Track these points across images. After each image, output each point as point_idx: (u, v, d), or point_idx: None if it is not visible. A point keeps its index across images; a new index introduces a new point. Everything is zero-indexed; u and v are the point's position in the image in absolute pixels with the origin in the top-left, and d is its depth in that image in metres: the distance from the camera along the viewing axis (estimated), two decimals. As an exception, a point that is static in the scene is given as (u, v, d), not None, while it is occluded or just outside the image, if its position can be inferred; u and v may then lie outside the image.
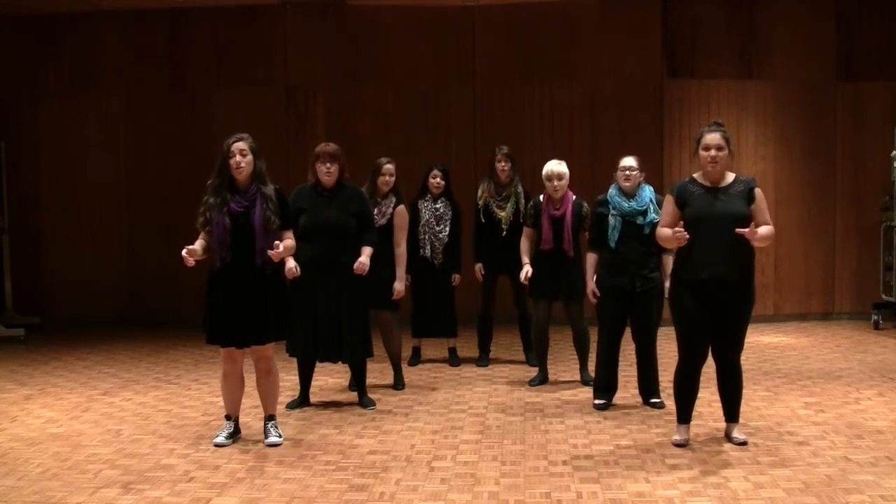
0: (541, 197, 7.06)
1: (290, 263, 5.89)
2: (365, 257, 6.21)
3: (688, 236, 5.03)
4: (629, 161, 6.34)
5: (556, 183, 6.89)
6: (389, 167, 7.00)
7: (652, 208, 6.21)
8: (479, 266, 7.78)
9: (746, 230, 4.94)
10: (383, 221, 6.89)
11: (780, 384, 7.07)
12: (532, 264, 6.97)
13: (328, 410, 6.42)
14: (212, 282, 5.41)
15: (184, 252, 5.21)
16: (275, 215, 5.32)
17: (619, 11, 10.13)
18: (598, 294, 6.34)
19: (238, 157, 5.31)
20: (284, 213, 5.43)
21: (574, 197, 7.00)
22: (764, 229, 5.08)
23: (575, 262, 6.90)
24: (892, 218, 9.70)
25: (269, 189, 5.37)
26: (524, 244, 7.10)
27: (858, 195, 10.27)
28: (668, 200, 5.33)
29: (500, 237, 7.60)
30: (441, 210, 7.69)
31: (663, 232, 5.25)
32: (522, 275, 6.98)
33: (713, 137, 5.18)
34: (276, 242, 5.24)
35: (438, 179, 7.69)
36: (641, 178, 6.34)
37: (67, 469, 5.08)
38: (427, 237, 7.67)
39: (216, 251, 5.33)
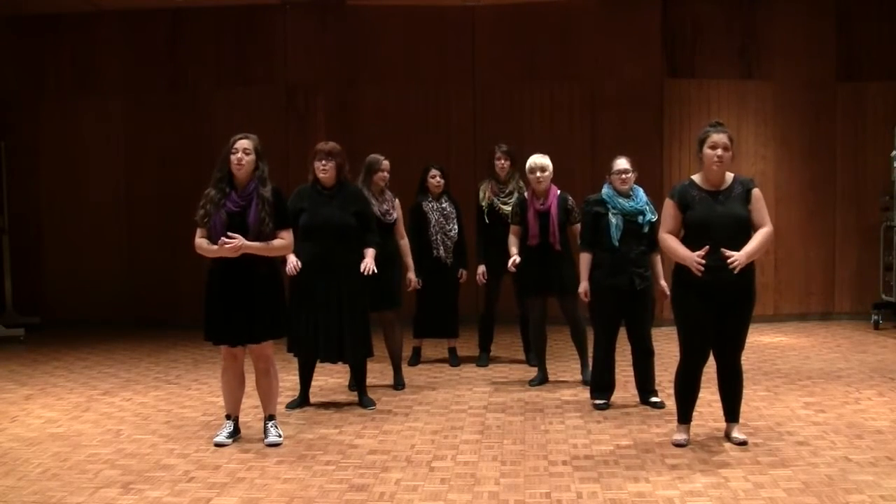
0: (525, 194, 7.08)
1: (292, 260, 5.90)
2: (370, 258, 6.20)
3: (702, 272, 5.03)
4: (624, 164, 6.35)
5: (538, 174, 6.91)
6: (388, 164, 7.04)
7: (649, 208, 6.27)
8: (482, 269, 7.75)
9: (734, 257, 4.95)
10: (395, 216, 6.97)
11: (780, 384, 7.07)
12: (521, 261, 7.00)
13: (328, 410, 6.42)
14: (209, 280, 5.42)
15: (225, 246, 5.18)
16: (269, 217, 5.31)
17: (619, 11, 10.12)
18: (590, 294, 6.35)
19: (240, 154, 5.32)
20: (280, 214, 5.41)
21: (559, 191, 7.02)
22: (755, 242, 5.09)
23: (563, 257, 6.92)
24: (892, 218, 9.70)
25: (267, 190, 5.36)
26: (511, 240, 7.09)
27: (858, 195, 10.28)
28: (670, 204, 5.30)
29: (507, 233, 7.58)
30: (447, 209, 7.70)
31: (680, 249, 5.19)
32: (510, 262, 6.99)
33: (720, 137, 5.18)
34: (231, 234, 5.17)
35: (438, 178, 7.69)
36: (634, 178, 6.37)
37: (67, 469, 5.08)
38: (439, 237, 7.66)
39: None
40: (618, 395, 6.50)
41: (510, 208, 7.57)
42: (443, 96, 10.41)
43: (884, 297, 9.85)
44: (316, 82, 10.41)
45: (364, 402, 6.49)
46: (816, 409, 6.23)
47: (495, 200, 7.68)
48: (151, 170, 10.59)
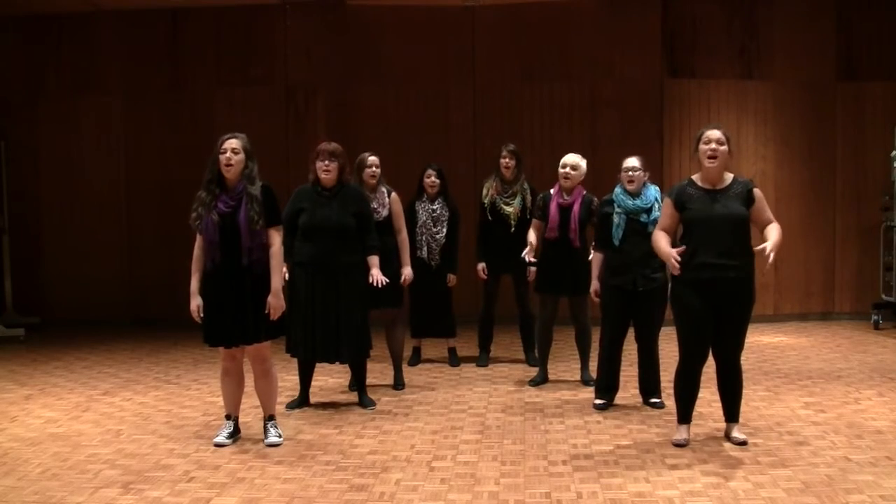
0: (551, 190, 7.06)
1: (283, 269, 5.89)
2: (376, 270, 6.24)
3: (679, 270, 5.05)
4: (633, 162, 6.34)
5: (568, 171, 6.92)
6: (374, 159, 6.98)
7: (657, 206, 6.21)
8: (481, 265, 7.76)
9: (766, 252, 4.96)
10: (385, 213, 6.91)
11: (780, 384, 7.07)
12: (538, 257, 6.98)
13: (328, 410, 6.42)
14: (205, 282, 5.42)
15: (195, 313, 5.38)
16: (259, 216, 5.29)
17: (619, 11, 10.13)
18: (600, 294, 6.35)
19: (229, 154, 5.32)
20: (270, 211, 5.38)
21: (585, 192, 7.01)
22: (773, 237, 5.09)
23: (581, 256, 6.89)
24: (892, 218, 9.70)
25: (256, 189, 5.34)
26: (531, 234, 7.02)
27: (858, 195, 10.28)
28: (667, 203, 5.35)
29: (507, 234, 7.57)
30: (438, 211, 7.67)
31: (663, 247, 5.21)
32: (526, 251, 6.86)
33: (713, 133, 5.24)
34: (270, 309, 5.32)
35: (433, 179, 7.67)
36: (646, 178, 6.35)
37: (67, 469, 5.08)
38: (424, 238, 7.65)
39: (207, 251, 5.35)
40: (619, 396, 6.48)
41: (511, 210, 7.58)
42: (442, 96, 10.41)
43: (884, 297, 9.85)
44: (316, 82, 10.42)
45: (364, 402, 6.49)
46: (816, 409, 6.23)
47: (497, 200, 7.66)
48: (151, 170, 10.58)
